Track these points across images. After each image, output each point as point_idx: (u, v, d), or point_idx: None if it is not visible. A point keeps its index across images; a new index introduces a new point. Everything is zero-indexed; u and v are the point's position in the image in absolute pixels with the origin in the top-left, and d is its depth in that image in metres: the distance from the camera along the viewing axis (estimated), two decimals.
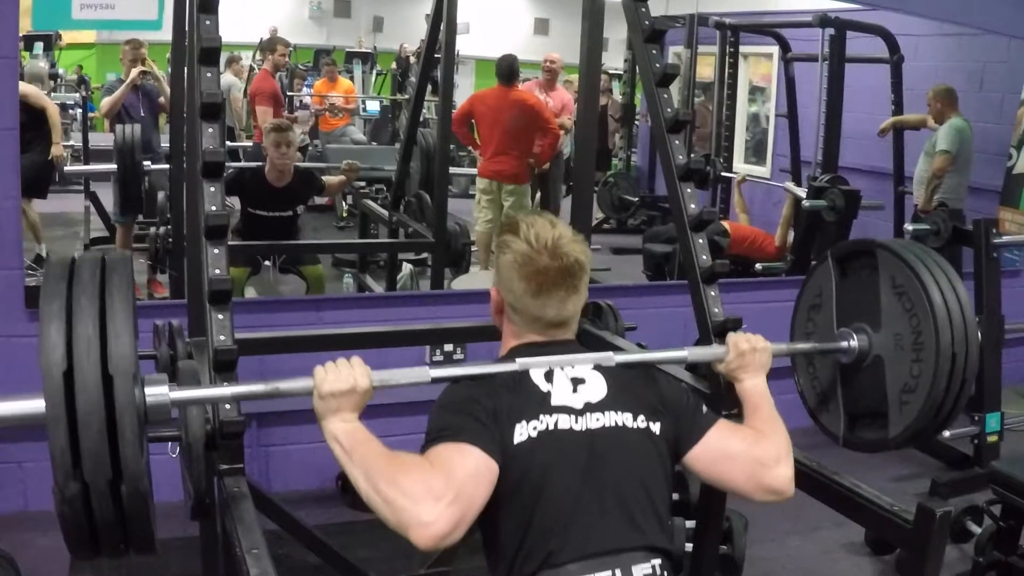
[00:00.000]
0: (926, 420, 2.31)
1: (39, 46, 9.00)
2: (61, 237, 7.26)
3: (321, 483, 4.17)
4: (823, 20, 6.36)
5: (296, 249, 5.73)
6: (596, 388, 1.95)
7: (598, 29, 3.19)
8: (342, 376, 1.84)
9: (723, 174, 7.67)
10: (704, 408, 2.07)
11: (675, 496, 3.39)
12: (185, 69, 3.39)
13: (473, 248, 6.19)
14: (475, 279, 5.59)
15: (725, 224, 6.78)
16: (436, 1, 5.27)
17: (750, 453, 2.00)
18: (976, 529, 3.67)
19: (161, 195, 5.94)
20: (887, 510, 2.13)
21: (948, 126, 6.08)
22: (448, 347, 4.47)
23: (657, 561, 1.88)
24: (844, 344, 2.45)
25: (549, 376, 1.94)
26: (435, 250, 5.44)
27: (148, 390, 1.71)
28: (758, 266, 6.46)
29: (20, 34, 3.77)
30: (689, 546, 3.02)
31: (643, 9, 2.82)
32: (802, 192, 6.46)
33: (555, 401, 1.90)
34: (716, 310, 2.65)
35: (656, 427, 1.95)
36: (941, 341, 2.24)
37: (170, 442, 2.07)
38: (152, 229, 5.66)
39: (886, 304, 2.37)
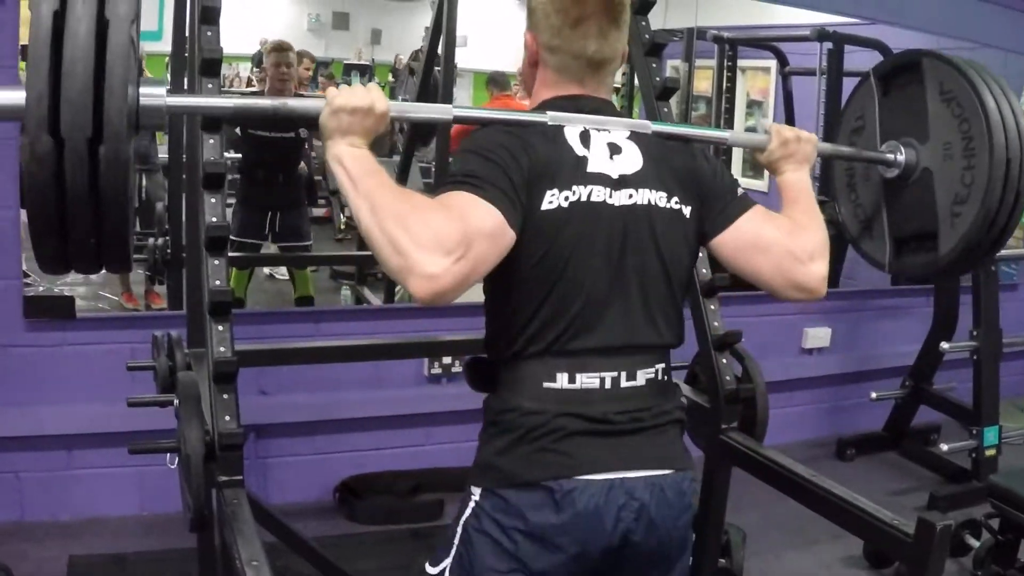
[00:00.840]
0: (979, 233, 2.21)
1: None
2: None
3: (319, 495, 4.15)
4: (821, 34, 6.37)
5: (295, 261, 5.72)
6: (631, 159, 1.83)
7: None
8: (358, 93, 1.69)
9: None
10: (740, 190, 1.93)
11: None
12: (185, 80, 3.38)
13: None
14: (473, 292, 5.58)
15: None
16: (435, 14, 5.28)
17: (784, 244, 1.87)
18: (974, 543, 3.67)
19: (159, 206, 5.94)
20: (887, 524, 2.12)
21: None
22: (447, 360, 4.46)
23: (661, 365, 1.86)
24: (890, 156, 2.36)
25: (585, 139, 1.80)
26: None
27: (143, 90, 1.58)
28: None
29: (20, 43, 3.76)
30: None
31: (643, 23, 2.82)
32: None
33: (591, 168, 1.77)
34: (716, 323, 2.65)
35: (687, 209, 1.86)
36: (995, 143, 2.15)
37: (168, 453, 2.07)
38: (150, 240, 5.65)
39: (934, 113, 2.27)
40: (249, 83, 10.09)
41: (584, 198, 1.75)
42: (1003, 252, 4.81)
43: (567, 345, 1.76)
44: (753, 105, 8.96)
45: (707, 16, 7.77)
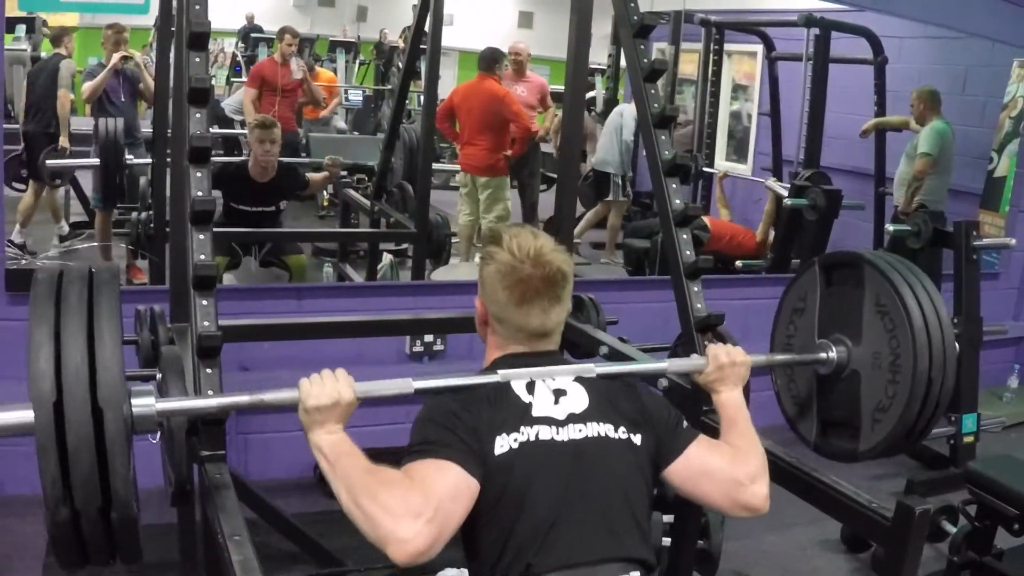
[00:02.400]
0: (897, 439, 2.35)
1: (21, 28, 8.92)
2: (40, 222, 7.21)
3: (300, 472, 4.15)
4: (808, 20, 6.38)
5: (277, 238, 5.70)
6: (578, 400, 1.96)
7: (586, 23, 3.19)
8: (326, 390, 1.85)
9: (705, 169, 7.68)
10: (684, 423, 2.08)
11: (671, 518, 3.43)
12: (172, 53, 3.36)
13: (454, 240, 6.18)
14: (456, 270, 5.59)
15: (705, 219, 6.79)
16: None
17: (728, 472, 2.02)
18: (951, 529, 3.69)
19: (143, 180, 5.91)
20: (866, 507, 2.14)
21: (929, 129, 6.11)
22: (428, 338, 4.47)
23: (636, 573, 1.90)
24: (823, 355, 2.47)
25: (531, 388, 1.95)
26: (416, 241, 5.44)
27: (135, 401, 1.73)
28: (738, 263, 6.48)
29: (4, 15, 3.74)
30: (667, 541, 3.03)
31: (632, 4, 2.82)
32: (784, 190, 6.49)
33: (536, 412, 1.91)
34: (699, 305, 2.67)
35: (637, 439, 1.97)
36: (918, 367, 2.26)
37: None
38: (133, 214, 5.62)
39: (868, 320, 2.39)
40: (233, 59, 10.03)
41: (532, 438, 1.88)
42: (985, 241, 4.87)
43: (537, 569, 1.83)
44: (739, 89, 8.96)
45: None
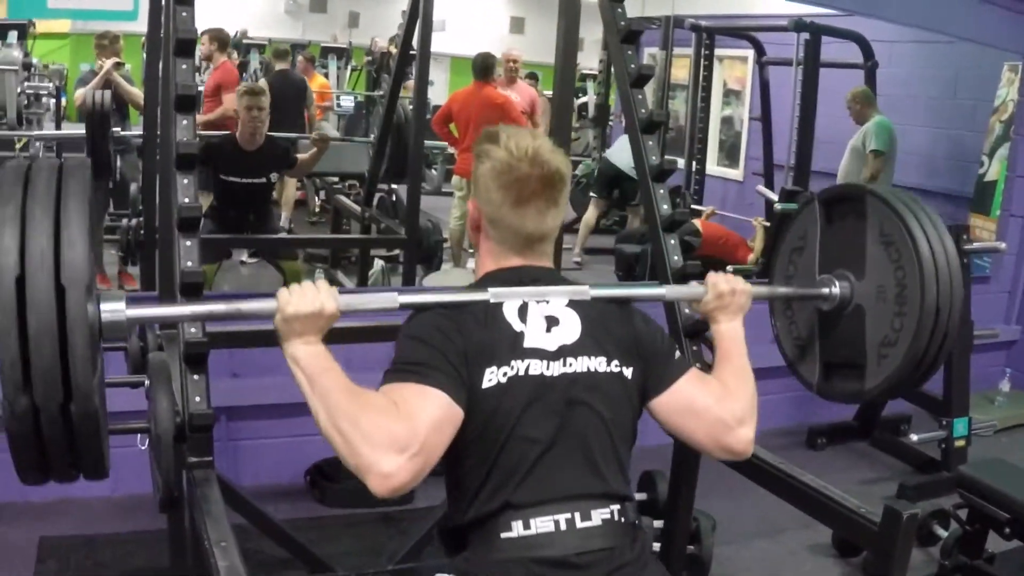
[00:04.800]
0: (905, 374, 2.27)
1: (13, 35, 8.92)
2: None
3: (291, 478, 4.14)
4: (798, 24, 6.40)
5: (268, 244, 5.70)
6: (570, 328, 1.90)
7: (574, 28, 3.18)
8: (307, 298, 1.77)
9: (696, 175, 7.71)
10: (677, 353, 2.03)
11: (643, 496, 3.42)
12: (160, 61, 3.36)
13: (446, 245, 6.19)
14: (447, 276, 5.59)
15: (697, 223, 6.80)
16: None
17: (714, 411, 1.97)
18: (942, 533, 3.70)
19: (133, 187, 5.92)
20: (854, 512, 2.14)
21: (876, 125, 6.17)
22: None
23: (616, 507, 1.87)
24: (825, 291, 2.40)
25: (523, 313, 1.89)
26: (407, 247, 5.44)
27: (104, 306, 1.66)
28: (729, 268, 6.48)
29: None
30: (657, 546, 3.03)
31: (619, 9, 2.83)
32: (774, 195, 6.50)
33: (528, 343, 1.85)
34: (687, 310, 2.66)
35: (628, 371, 1.92)
36: (926, 297, 2.19)
37: (139, 434, 2.07)
38: (124, 221, 5.62)
39: (872, 253, 2.32)
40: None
41: (522, 372, 1.83)
42: (976, 244, 4.87)
43: (519, 499, 1.81)
44: (730, 94, 8.98)
45: (686, 4, 7.79)
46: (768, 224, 6.62)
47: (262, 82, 8.36)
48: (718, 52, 7.74)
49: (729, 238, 6.92)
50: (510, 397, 1.80)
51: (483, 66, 6.89)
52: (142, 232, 5.01)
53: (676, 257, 2.69)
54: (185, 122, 2.28)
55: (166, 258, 2.78)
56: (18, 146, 8.69)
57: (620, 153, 7.92)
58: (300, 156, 5.98)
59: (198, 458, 2.08)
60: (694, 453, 2.60)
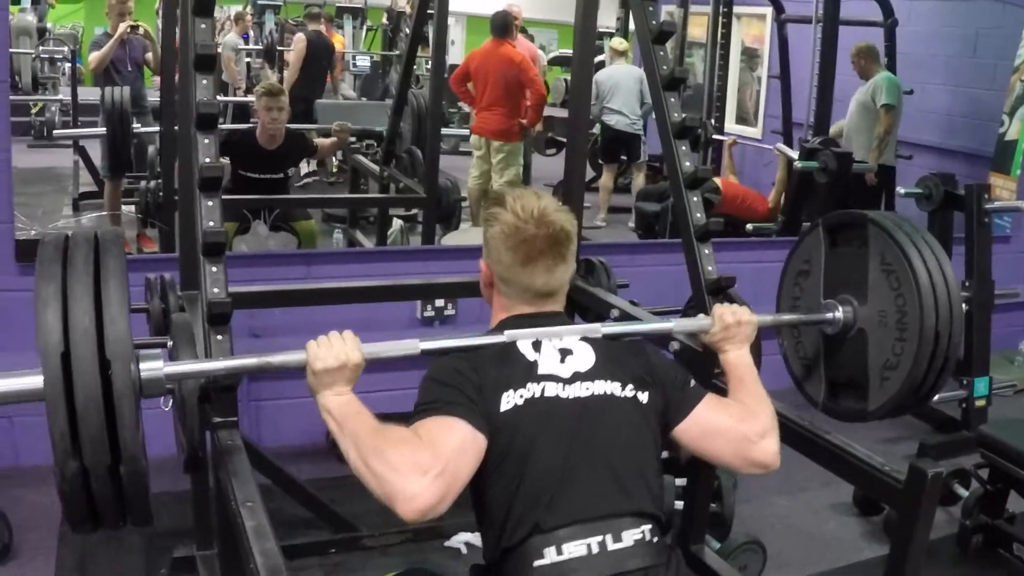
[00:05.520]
0: (905, 397, 2.33)
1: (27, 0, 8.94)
2: (49, 192, 7.21)
3: (312, 438, 4.16)
4: None
5: (286, 204, 5.69)
6: (584, 358, 1.97)
7: None
8: (334, 351, 1.85)
9: (714, 136, 7.64)
10: (692, 382, 2.08)
11: (665, 454, 3.42)
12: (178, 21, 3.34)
13: (464, 204, 6.18)
14: (466, 235, 5.57)
15: (717, 181, 6.74)
16: None
17: (737, 429, 2.03)
18: (963, 492, 3.69)
19: (151, 149, 5.91)
20: (878, 470, 2.14)
21: (883, 79, 6.14)
22: (439, 302, 4.47)
23: (647, 527, 1.89)
24: (829, 316, 2.46)
25: (537, 346, 1.96)
26: (426, 206, 5.43)
27: (143, 365, 1.71)
28: (749, 226, 6.44)
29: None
30: (679, 504, 3.04)
31: None
32: (794, 153, 6.45)
33: (542, 370, 1.92)
34: (710, 268, 2.65)
35: (644, 396, 1.98)
36: (925, 324, 2.25)
37: (162, 396, 2.07)
38: (142, 183, 5.62)
39: (873, 279, 2.37)
40: (239, 20, 10.03)
41: (538, 394, 1.89)
42: (996, 204, 4.83)
43: (547, 523, 1.83)
44: (749, 54, 8.90)
45: None
46: (790, 152, 6.56)
47: (299, 45, 8.43)
48: (736, 9, 7.64)
49: (748, 195, 6.86)
50: (528, 420, 1.86)
51: (502, 24, 6.84)
52: (160, 194, 5.01)
53: (699, 215, 2.67)
54: (205, 81, 2.26)
55: (186, 219, 2.77)
56: (33, 111, 8.72)
57: (613, 116, 8.07)
58: (320, 142, 5.98)
59: (223, 418, 2.08)
60: None
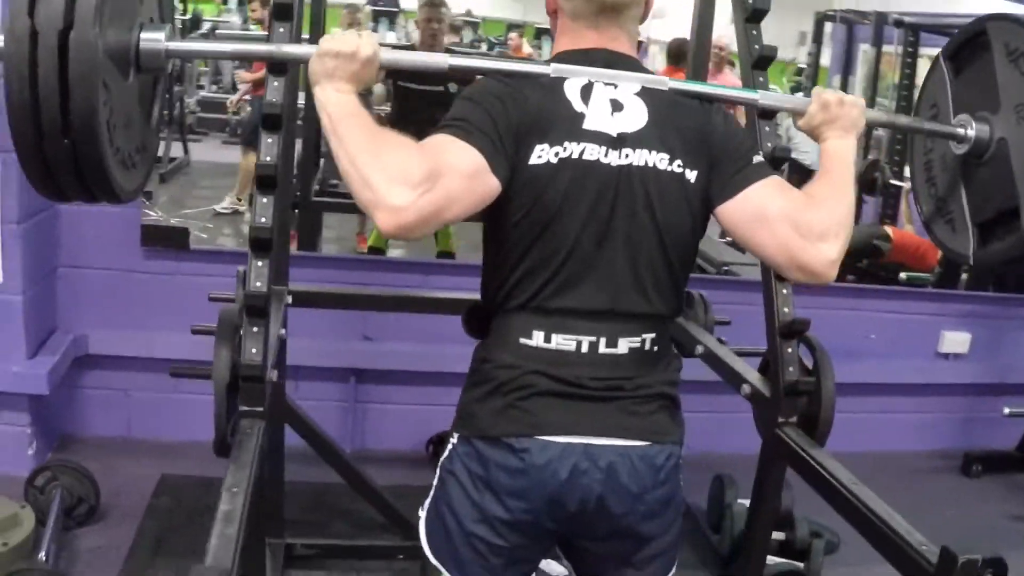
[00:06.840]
0: None
1: None
2: (223, 187, 7.52)
3: (413, 446, 4.18)
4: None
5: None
6: (635, 117, 1.73)
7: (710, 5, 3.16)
8: (347, 39, 1.67)
9: (892, 181, 7.34)
10: (757, 158, 1.80)
11: (780, 536, 3.29)
12: None
13: None
14: None
15: (888, 230, 6.47)
16: None
17: (792, 218, 1.71)
18: None
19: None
20: (913, 547, 1.95)
21: None
22: None
23: (650, 335, 1.78)
24: (960, 130, 2.21)
25: (586, 93, 1.72)
26: None
27: (144, 34, 1.74)
28: (903, 275, 6.11)
29: None
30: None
31: None
32: None
33: (588, 124, 1.69)
34: (786, 309, 2.50)
35: (692, 173, 1.74)
36: None
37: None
38: None
39: (1003, 77, 2.11)
40: None
41: (575, 155, 1.68)
42: None
43: (547, 302, 1.72)
44: None
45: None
46: None
47: None
48: (923, 50, 7.34)
49: (921, 245, 6.53)
50: (558, 181, 1.67)
51: (678, 52, 6.82)
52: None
53: None
54: (276, 84, 2.29)
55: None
56: (231, 111, 9.12)
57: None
58: None
59: (248, 407, 2.09)
60: (777, 462, 2.46)
